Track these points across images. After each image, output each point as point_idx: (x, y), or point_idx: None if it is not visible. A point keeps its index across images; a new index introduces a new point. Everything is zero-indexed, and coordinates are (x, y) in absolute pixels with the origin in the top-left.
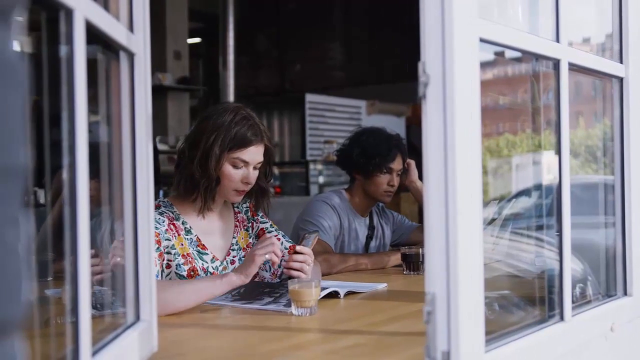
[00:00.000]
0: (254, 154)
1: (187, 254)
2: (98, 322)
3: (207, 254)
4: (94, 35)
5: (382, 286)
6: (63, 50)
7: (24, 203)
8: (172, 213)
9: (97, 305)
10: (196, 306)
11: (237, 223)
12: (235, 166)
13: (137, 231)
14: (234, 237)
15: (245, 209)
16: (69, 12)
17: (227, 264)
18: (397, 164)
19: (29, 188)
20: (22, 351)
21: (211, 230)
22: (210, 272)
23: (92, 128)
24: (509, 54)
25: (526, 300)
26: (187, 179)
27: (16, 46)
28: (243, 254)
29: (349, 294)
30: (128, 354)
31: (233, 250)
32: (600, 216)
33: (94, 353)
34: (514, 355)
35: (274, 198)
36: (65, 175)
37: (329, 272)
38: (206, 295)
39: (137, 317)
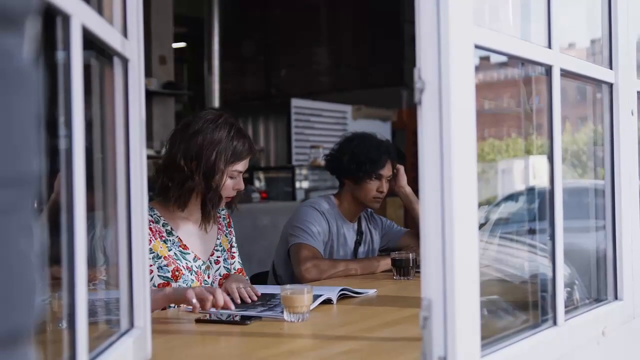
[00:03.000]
0: (247, 163)
1: (169, 255)
2: (92, 329)
3: (189, 253)
4: (89, 41)
5: (372, 292)
6: (59, 55)
7: (36, 211)
8: (152, 216)
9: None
10: (190, 314)
11: (220, 226)
12: (231, 177)
13: (131, 238)
14: (217, 239)
15: (223, 216)
16: (66, 18)
17: (210, 263)
18: (387, 171)
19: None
20: (36, 359)
21: (194, 232)
22: (195, 271)
23: (85, 134)
24: (494, 58)
25: (518, 305)
26: (187, 192)
27: (28, 54)
28: (226, 255)
29: (342, 297)
30: None
31: (217, 250)
32: (587, 221)
33: None
34: None
35: (260, 203)
36: (62, 181)
37: (318, 278)
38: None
39: (131, 324)
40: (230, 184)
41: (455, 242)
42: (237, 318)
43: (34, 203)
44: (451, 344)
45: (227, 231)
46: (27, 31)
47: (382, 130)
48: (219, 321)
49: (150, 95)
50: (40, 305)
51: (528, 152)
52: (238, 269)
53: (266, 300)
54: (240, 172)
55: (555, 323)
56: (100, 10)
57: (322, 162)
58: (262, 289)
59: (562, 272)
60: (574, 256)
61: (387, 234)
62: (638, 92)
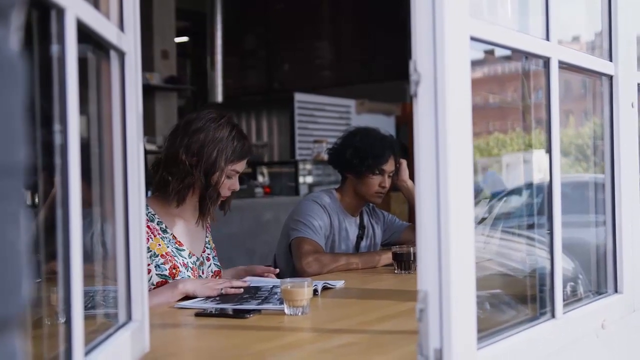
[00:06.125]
0: (244, 164)
1: (166, 253)
2: (89, 322)
3: (184, 250)
4: (84, 34)
5: (341, 283)
6: (54, 49)
7: (23, 201)
8: (146, 215)
9: (88, 305)
10: (187, 308)
11: (207, 225)
12: (228, 177)
13: (129, 232)
14: (206, 237)
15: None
16: (61, 11)
17: (203, 259)
18: (389, 166)
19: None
20: (22, 348)
21: (186, 230)
22: (190, 267)
23: (81, 128)
24: (499, 52)
25: (517, 298)
26: (186, 188)
27: (15, 45)
28: (214, 253)
29: (324, 289)
30: (120, 354)
31: (207, 248)
32: (591, 215)
33: (87, 353)
34: (506, 353)
35: (264, 198)
36: (57, 176)
37: (320, 272)
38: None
39: (129, 317)
40: (227, 183)
41: (451, 233)
42: (237, 312)
43: (22, 193)
44: (447, 336)
45: (210, 231)
46: (12, 23)
47: (386, 124)
48: (218, 315)
49: (152, 90)
50: (28, 295)
51: (532, 146)
52: (215, 270)
53: (253, 294)
54: (238, 172)
55: (553, 316)
56: (96, 3)
57: (325, 157)
58: (254, 283)
59: (561, 264)
60: (578, 250)
61: (389, 228)
62: (638, 84)
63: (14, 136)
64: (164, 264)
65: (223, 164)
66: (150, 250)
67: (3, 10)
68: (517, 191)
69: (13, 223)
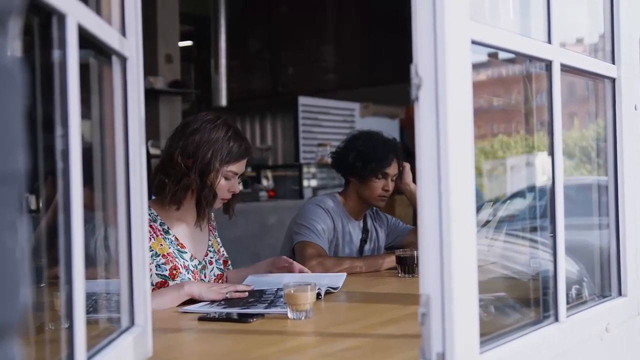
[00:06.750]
0: (243, 165)
1: (168, 253)
2: (92, 327)
3: (186, 252)
4: (86, 40)
5: (342, 277)
6: (55, 54)
7: (21, 208)
8: (149, 215)
9: (90, 309)
10: (191, 312)
11: (211, 228)
12: (226, 178)
13: (131, 236)
14: (209, 240)
15: (212, 220)
16: (62, 17)
17: (205, 263)
18: (392, 169)
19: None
20: (20, 355)
21: (189, 233)
22: (191, 270)
23: (84, 133)
24: (502, 55)
25: (521, 301)
26: (183, 189)
27: (13, 51)
28: (217, 256)
29: (327, 293)
30: (123, 358)
31: (210, 251)
32: (595, 217)
33: (89, 358)
34: (509, 357)
35: (268, 202)
36: (59, 181)
37: None
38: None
39: (132, 322)
40: (225, 185)
41: (453, 237)
42: (240, 316)
43: (20, 200)
44: (449, 340)
45: (215, 234)
46: (11, 30)
47: (390, 127)
48: (222, 319)
49: (156, 94)
50: (27, 301)
51: (536, 148)
52: (218, 274)
53: (259, 297)
54: (236, 173)
55: (557, 319)
56: (98, 9)
57: (329, 160)
58: (258, 286)
59: (564, 267)
60: (582, 253)
61: (393, 232)
62: None
63: (12, 143)
64: (164, 264)
65: (218, 165)
66: (152, 250)
67: (1, 18)
68: (521, 194)
69: (11, 230)
